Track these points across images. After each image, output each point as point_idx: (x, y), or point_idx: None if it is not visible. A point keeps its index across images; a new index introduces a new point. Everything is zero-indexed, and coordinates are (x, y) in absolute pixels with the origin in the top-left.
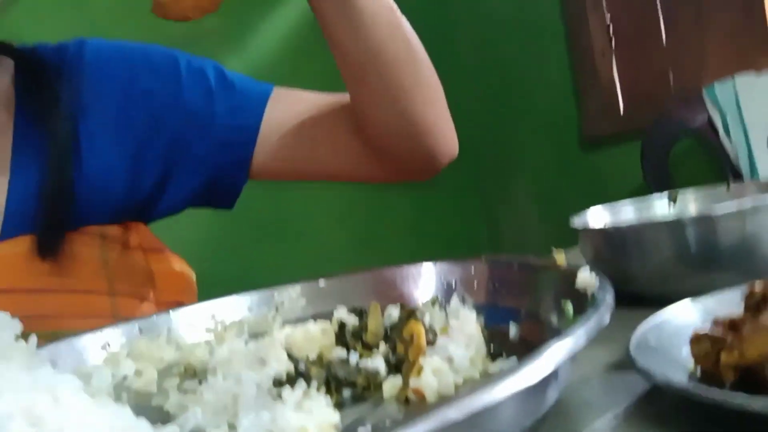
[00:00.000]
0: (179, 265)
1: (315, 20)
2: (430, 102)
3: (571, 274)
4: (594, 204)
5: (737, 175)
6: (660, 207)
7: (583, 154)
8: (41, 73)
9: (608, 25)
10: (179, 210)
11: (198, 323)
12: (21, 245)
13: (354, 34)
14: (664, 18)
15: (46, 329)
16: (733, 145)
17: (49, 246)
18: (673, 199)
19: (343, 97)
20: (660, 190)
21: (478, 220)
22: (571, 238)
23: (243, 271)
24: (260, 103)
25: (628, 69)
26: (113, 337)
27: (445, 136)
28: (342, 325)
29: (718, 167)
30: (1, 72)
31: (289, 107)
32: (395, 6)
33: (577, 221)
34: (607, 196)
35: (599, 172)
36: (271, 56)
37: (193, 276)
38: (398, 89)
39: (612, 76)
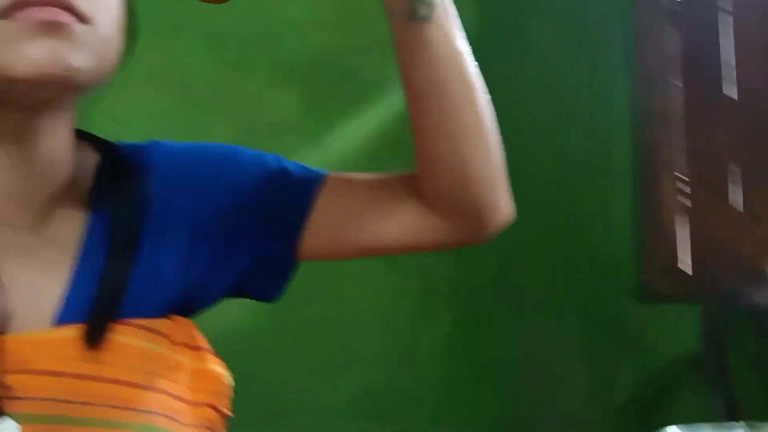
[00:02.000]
0: (218, 367)
1: (394, 129)
2: (485, 148)
3: None
4: (643, 362)
5: None
6: None
7: (639, 309)
8: (118, 167)
9: (682, 185)
10: (222, 296)
11: None
12: (73, 331)
13: (420, 62)
14: (743, 188)
15: (86, 416)
16: None
17: (96, 335)
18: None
19: (400, 172)
20: (714, 368)
21: (516, 352)
22: (613, 398)
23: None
24: (313, 182)
25: (696, 231)
26: None
27: (500, 190)
28: None
29: None
30: (87, 162)
31: (344, 183)
32: (466, 50)
33: None
34: (658, 357)
35: (654, 331)
36: (350, 157)
37: (230, 380)
38: (456, 124)
39: (681, 235)
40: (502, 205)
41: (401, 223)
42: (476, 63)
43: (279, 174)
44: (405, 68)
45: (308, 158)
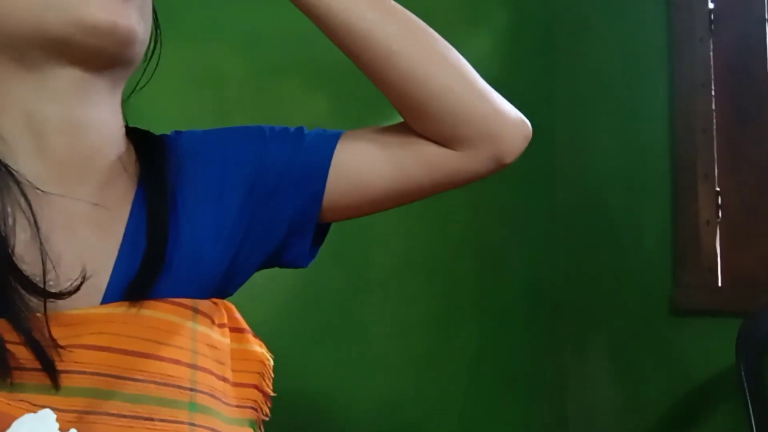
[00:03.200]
0: (259, 348)
1: None
2: (458, 79)
3: None
4: (676, 378)
5: None
6: None
7: (672, 324)
8: (151, 152)
9: (717, 195)
10: (257, 268)
11: None
12: (123, 308)
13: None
14: None
15: (133, 391)
16: None
17: (141, 306)
18: None
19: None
20: (751, 383)
21: (544, 364)
22: (646, 411)
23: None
24: (330, 139)
25: (732, 245)
26: None
27: (495, 117)
28: None
29: None
30: (130, 151)
31: (358, 135)
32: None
33: None
34: (692, 372)
35: (687, 346)
36: None
37: (271, 361)
38: (418, 70)
39: (714, 249)
40: (507, 129)
41: (416, 159)
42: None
43: (298, 139)
44: (337, 39)
45: None
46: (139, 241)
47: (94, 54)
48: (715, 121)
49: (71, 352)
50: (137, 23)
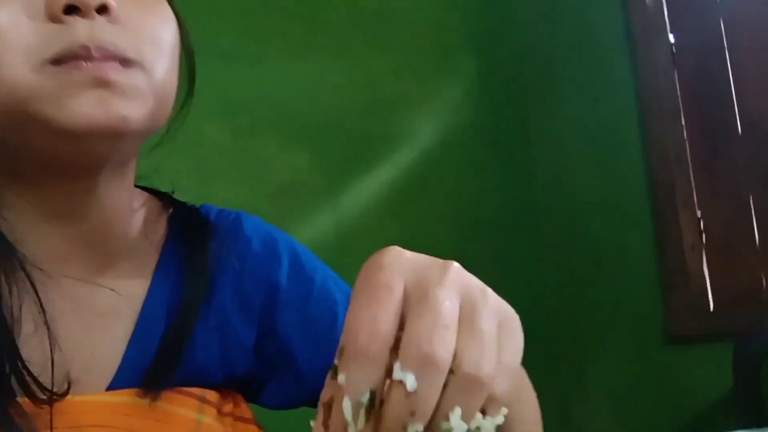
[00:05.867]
0: None
1: (403, 184)
2: None
3: None
4: (674, 407)
5: None
6: None
7: (667, 351)
8: (197, 231)
9: (699, 220)
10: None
11: None
12: (127, 397)
13: None
14: (756, 219)
15: None
16: None
17: (153, 398)
18: None
19: None
20: (749, 405)
21: (549, 404)
22: None
23: None
24: None
25: (719, 267)
26: None
27: None
28: None
29: None
30: (161, 222)
31: None
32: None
33: None
34: (689, 399)
35: (684, 373)
36: (359, 212)
37: None
38: None
39: (702, 273)
40: None
41: None
42: None
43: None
44: None
45: (320, 216)
46: (154, 325)
47: (83, 161)
48: (688, 148)
49: None
50: (130, 109)
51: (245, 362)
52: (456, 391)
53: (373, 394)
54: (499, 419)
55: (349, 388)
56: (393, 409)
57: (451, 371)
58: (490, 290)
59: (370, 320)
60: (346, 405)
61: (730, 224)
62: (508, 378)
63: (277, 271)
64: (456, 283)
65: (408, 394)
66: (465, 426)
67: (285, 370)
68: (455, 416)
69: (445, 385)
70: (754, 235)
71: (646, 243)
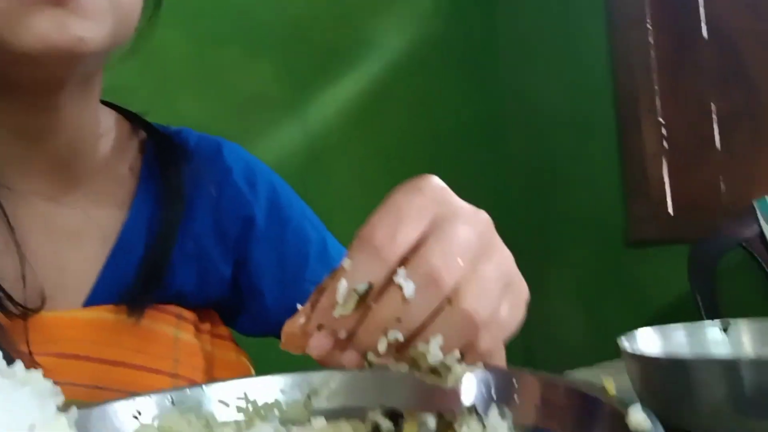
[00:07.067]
0: (238, 355)
1: (370, 96)
2: None
3: (621, 406)
4: (635, 308)
5: None
6: (712, 335)
7: (627, 256)
8: (174, 155)
9: (661, 128)
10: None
11: (230, 400)
12: (105, 314)
13: None
14: (719, 126)
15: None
16: None
17: (135, 316)
18: (725, 329)
19: None
20: (706, 303)
21: None
22: (608, 344)
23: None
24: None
25: (679, 174)
26: (145, 406)
27: None
28: (376, 428)
29: None
30: (133, 145)
31: None
32: None
33: (625, 344)
34: (649, 300)
35: (643, 276)
36: (326, 124)
37: (251, 369)
38: None
39: (662, 180)
40: None
41: None
42: None
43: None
44: None
45: (288, 129)
46: (134, 246)
47: (40, 80)
48: (653, 54)
49: (48, 360)
50: (87, 29)
51: (221, 291)
52: (446, 320)
53: (369, 289)
54: (471, 370)
55: (351, 272)
56: (383, 308)
57: (449, 302)
58: (511, 259)
59: (393, 226)
60: (342, 286)
61: (692, 130)
62: (497, 336)
63: (254, 206)
64: (482, 231)
65: (403, 300)
66: (440, 355)
67: (253, 302)
68: (435, 342)
69: (438, 312)
70: (715, 140)
71: (610, 152)
